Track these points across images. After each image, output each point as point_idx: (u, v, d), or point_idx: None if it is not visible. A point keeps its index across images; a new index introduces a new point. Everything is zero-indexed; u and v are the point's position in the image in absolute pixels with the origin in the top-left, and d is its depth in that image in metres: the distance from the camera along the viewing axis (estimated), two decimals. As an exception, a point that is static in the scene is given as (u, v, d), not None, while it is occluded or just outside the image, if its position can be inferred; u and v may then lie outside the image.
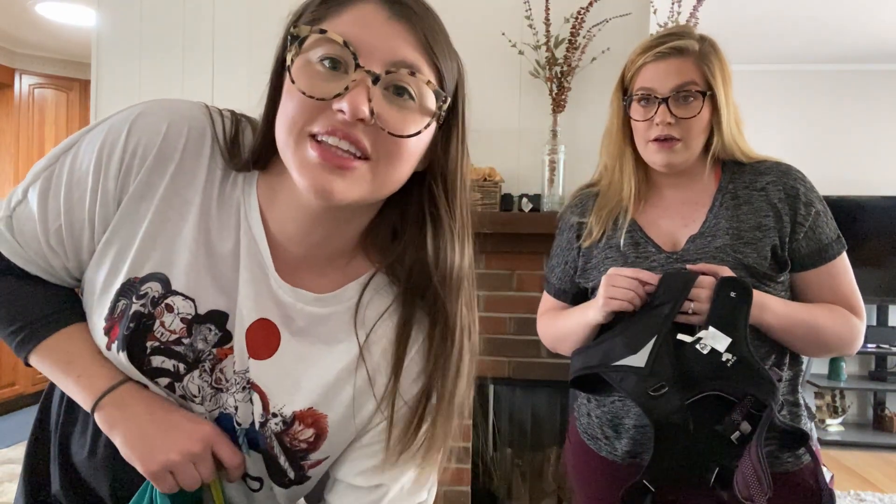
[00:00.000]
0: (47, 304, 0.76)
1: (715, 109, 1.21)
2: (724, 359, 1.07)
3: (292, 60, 0.65)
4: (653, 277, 1.15)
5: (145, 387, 0.74)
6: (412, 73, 0.65)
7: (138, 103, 0.74)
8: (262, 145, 0.72)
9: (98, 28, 2.89)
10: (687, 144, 1.21)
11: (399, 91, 0.66)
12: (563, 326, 1.34)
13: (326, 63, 0.64)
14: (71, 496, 0.79)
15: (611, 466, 1.29)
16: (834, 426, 4.36)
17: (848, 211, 4.21)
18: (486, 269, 2.58)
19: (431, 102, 0.68)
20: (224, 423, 0.75)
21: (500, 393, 2.79)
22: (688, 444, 1.08)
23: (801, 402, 1.26)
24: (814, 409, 4.44)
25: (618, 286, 1.15)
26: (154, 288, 0.71)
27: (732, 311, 1.10)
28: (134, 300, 0.71)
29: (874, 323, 4.37)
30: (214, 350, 0.73)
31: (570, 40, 2.50)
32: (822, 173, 4.31)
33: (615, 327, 1.21)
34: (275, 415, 0.74)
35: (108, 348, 0.73)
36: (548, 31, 2.53)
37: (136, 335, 0.71)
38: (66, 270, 0.76)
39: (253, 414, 0.74)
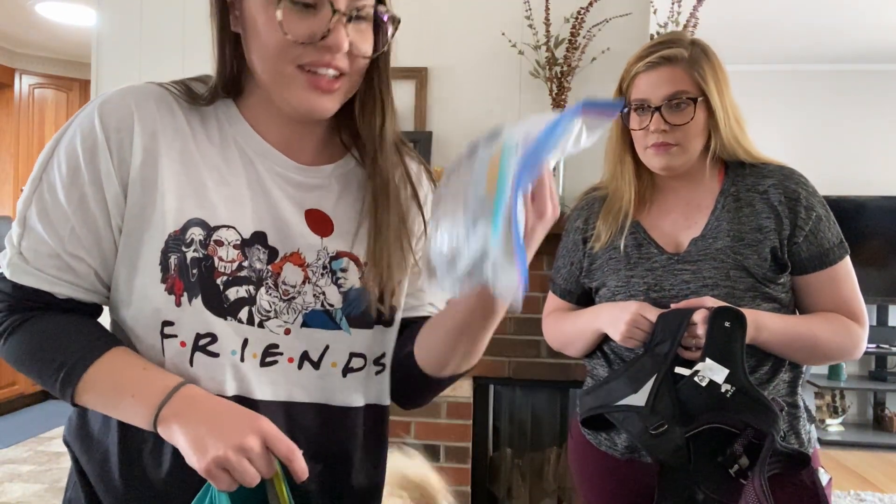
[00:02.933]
0: (80, 338, 0.76)
1: (710, 112, 1.23)
2: (723, 390, 1.08)
3: None
4: (654, 314, 1.18)
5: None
6: (374, 4, 0.77)
7: (90, 102, 0.79)
8: (227, 70, 0.80)
9: (98, 28, 2.89)
10: (684, 148, 1.23)
11: (360, 18, 0.77)
12: (569, 331, 1.36)
13: (294, 4, 0.73)
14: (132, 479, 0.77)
15: (610, 461, 1.30)
16: (834, 426, 4.36)
17: (848, 211, 4.20)
18: (486, 269, 2.58)
19: (374, 15, 0.78)
20: (314, 319, 0.82)
21: (500, 393, 2.80)
22: (690, 478, 1.09)
23: (801, 403, 1.27)
24: (814, 409, 4.44)
25: (641, 329, 1.18)
26: (196, 232, 0.77)
27: (728, 342, 1.11)
28: (184, 249, 0.76)
29: (874, 323, 4.37)
30: (269, 267, 0.80)
31: (570, 40, 2.50)
32: (822, 173, 4.30)
33: (619, 368, 1.24)
34: (366, 264, 0.84)
35: (179, 304, 0.75)
36: (548, 31, 2.53)
37: (204, 278, 0.76)
38: (94, 273, 0.78)
39: (349, 279, 0.83)
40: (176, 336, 0.76)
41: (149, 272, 0.76)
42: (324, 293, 0.82)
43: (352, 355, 0.85)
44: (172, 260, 0.76)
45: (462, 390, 2.60)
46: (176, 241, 0.76)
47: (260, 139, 0.82)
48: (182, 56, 2.81)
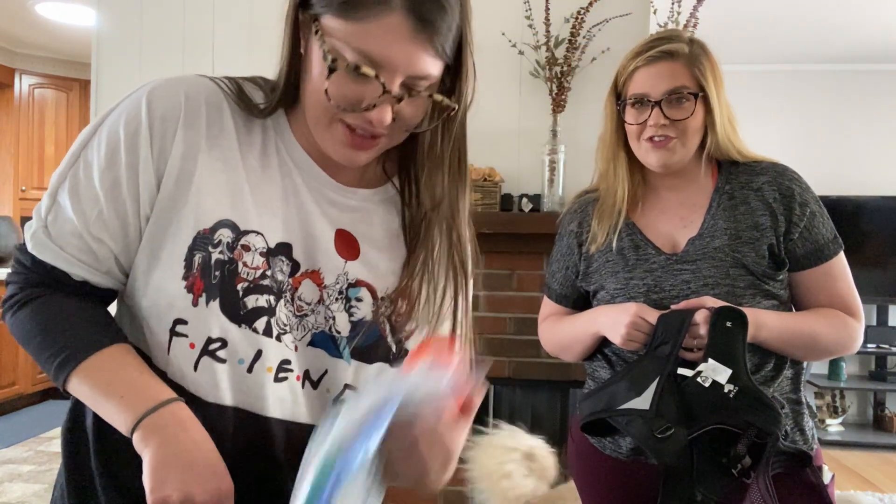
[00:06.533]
0: (87, 327, 0.75)
1: (708, 110, 1.23)
2: (726, 390, 1.08)
3: (325, 52, 0.70)
4: (654, 316, 1.17)
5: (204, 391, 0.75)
6: (429, 87, 0.74)
7: (142, 86, 0.78)
8: (290, 86, 0.78)
9: (98, 28, 2.89)
10: (682, 143, 1.23)
11: (413, 95, 0.74)
12: (567, 335, 1.35)
13: (356, 72, 0.70)
14: (112, 490, 0.77)
15: (615, 464, 1.29)
16: (834, 426, 4.36)
17: (848, 211, 4.21)
18: (486, 268, 2.58)
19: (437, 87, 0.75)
20: (320, 340, 0.80)
21: (500, 393, 2.79)
22: (692, 480, 1.09)
23: (804, 400, 1.27)
24: (814, 408, 4.44)
25: (641, 331, 1.17)
26: (225, 234, 0.75)
27: (730, 342, 1.11)
28: (210, 250, 0.74)
29: (874, 323, 4.37)
30: (290, 280, 0.78)
31: (570, 40, 2.50)
32: (822, 173, 4.32)
33: (620, 371, 1.23)
34: (383, 299, 0.82)
35: (195, 304, 0.74)
36: (548, 31, 2.53)
37: (225, 282, 0.74)
38: (114, 258, 0.77)
39: (361, 309, 0.81)
40: (186, 336, 0.75)
41: (171, 266, 0.74)
42: (334, 318, 0.80)
43: (346, 387, 0.82)
44: (197, 258, 0.74)
45: (462, 390, 2.60)
46: (204, 240, 0.74)
47: (302, 152, 0.81)
48: (182, 56, 2.81)
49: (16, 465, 3.67)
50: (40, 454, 3.86)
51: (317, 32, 0.70)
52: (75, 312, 0.76)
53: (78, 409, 0.81)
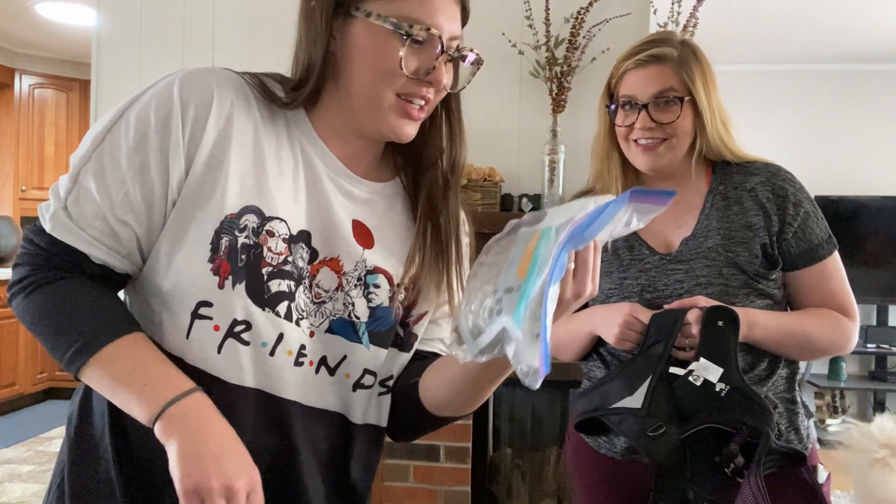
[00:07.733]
0: (104, 314, 0.74)
1: (697, 113, 1.23)
2: (717, 389, 1.08)
3: (395, 24, 0.76)
4: (647, 315, 1.18)
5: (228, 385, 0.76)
6: (465, 48, 0.83)
7: (170, 74, 0.79)
8: (318, 86, 0.81)
9: (98, 28, 2.89)
10: (670, 146, 1.23)
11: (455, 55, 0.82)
12: (563, 335, 1.36)
13: (414, 43, 0.77)
14: (123, 481, 0.77)
15: (610, 464, 1.30)
16: (834, 426, 4.36)
17: (848, 211, 4.20)
18: (486, 269, 2.58)
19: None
20: (339, 327, 0.83)
21: (500, 393, 2.80)
22: (685, 479, 1.10)
23: (798, 399, 1.27)
24: (813, 409, 4.44)
25: (634, 330, 1.18)
26: (251, 220, 0.77)
27: (722, 341, 1.11)
28: (237, 234, 0.76)
29: (874, 323, 4.37)
30: (308, 267, 0.81)
31: (570, 40, 2.50)
32: (821, 173, 4.32)
33: (613, 370, 1.24)
34: (398, 285, 0.86)
35: (222, 286, 0.75)
36: (548, 31, 2.53)
37: (251, 265, 0.76)
38: (136, 241, 0.77)
39: (379, 296, 0.85)
40: (211, 319, 0.75)
41: (196, 249, 0.75)
42: (353, 304, 0.83)
43: (365, 371, 0.86)
44: (224, 241, 0.75)
45: (462, 390, 2.60)
46: (230, 224, 0.76)
47: (323, 145, 0.84)
48: (182, 56, 2.81)
49: (16, 465, 3.67)
50: (40, 454, 3.86)
51: (368, 15, 0.77)
52: (91, 298, 0.75)
53: (88, 396, 0.81)
